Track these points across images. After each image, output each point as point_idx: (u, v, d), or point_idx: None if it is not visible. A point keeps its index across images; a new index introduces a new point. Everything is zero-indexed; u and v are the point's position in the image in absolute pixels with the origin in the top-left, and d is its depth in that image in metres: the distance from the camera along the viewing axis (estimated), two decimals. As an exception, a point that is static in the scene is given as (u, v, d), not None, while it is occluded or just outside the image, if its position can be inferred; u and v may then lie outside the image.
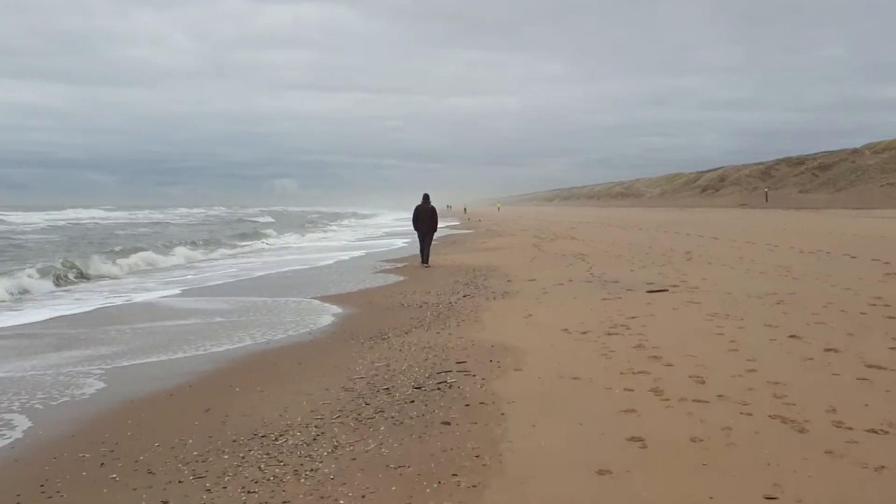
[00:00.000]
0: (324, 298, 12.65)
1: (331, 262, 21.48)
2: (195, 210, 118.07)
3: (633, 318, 9.34)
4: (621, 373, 6.46)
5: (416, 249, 19.89)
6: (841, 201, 69.40)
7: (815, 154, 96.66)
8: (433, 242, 19.39)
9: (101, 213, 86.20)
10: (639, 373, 6.43)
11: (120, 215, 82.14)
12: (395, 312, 10.77)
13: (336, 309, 11.37)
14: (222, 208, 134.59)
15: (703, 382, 6.05)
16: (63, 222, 58.99)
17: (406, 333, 8.92)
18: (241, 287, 15.25)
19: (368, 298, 12.49)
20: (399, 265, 19.01)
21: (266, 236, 36.41)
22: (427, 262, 18.48)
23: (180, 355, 8.22)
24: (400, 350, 7.88)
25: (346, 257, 23.19)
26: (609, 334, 8.28)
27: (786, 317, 9.07)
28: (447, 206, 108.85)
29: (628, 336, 8.13)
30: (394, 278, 15.79)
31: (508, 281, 14.24)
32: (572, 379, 6.31)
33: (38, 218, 63.44)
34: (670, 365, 6.69)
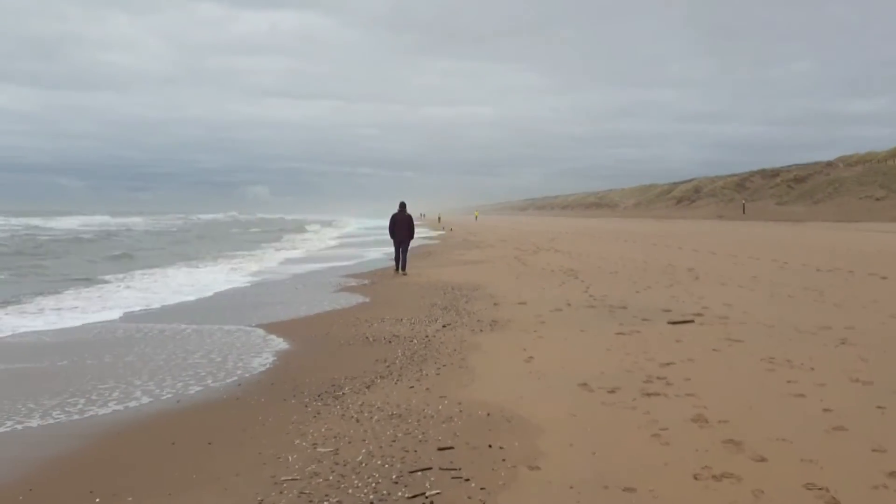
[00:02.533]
0: (269, 327, 10.23)
1: (286, 276, 19.01)
2: (199, 216, 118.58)
3: (667, 364, 7.10)
4: (695, 476, 4.18)
5: (386, 263, 19.64)
6: (820, 214, 68.50)
7: (790, 166, 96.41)
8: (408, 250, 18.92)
9: (109, 219, 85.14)
10: (722, 477, 4.16)
11: (136, 221, 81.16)
12: (357, 350, 8.40)
13: (281, 343, 8.97)
14: (220, 214, 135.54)
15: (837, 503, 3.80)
16: (114, 227, 59.79)
17: (368, 387, 6.56)
18: (172, 310, 12.74)
19: (325, 328, 10.09)
20: (365, 281, 16.62)
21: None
22: (404, 271, 18.25)
23: (40, 422, 5.76)
24: (357, 420, 5.52)
25: (306, 270, 20.73)
26: (648, 394, 6.01)
27: (868, 366, 6.90)
28: (421, 215, 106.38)
29: (675, 398, 5.87)
30: (358, 299, 13.40)
31: (495, 304, 11.94)
32: (624, 491, 4.01)
33: (70, 223, 62.19)
34: (763, 459, 4.43)
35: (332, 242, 39.87)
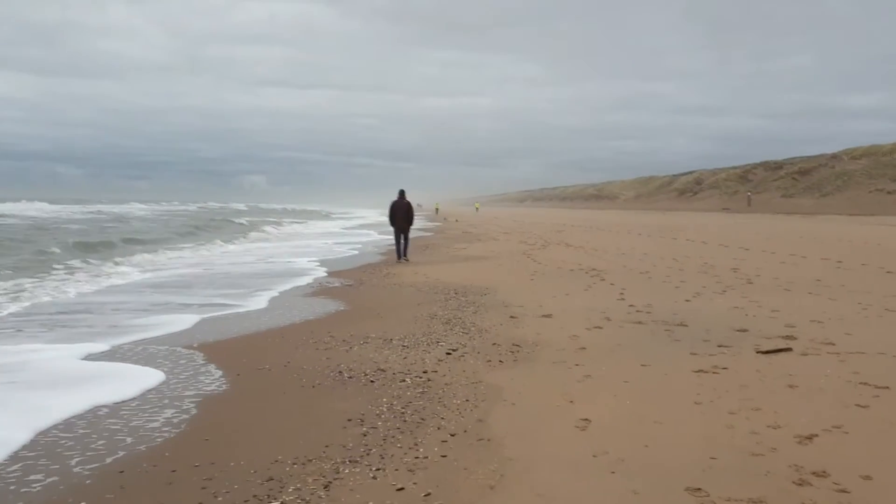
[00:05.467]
0: (210, 349, 7.54)
1: (259, 269, 16.27)
2: (229, 204, 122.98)
3: (809, 438, 4.46)
4: None
5: (376, 258, 18.80)
6: (829, 207, 66.17)
7: (793, 158, 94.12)
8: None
9: (141, 205, 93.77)
10: None
11: (190, 209, 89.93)
12: (322, 398, 5.72)
13: (217, 381, 6.27)
14: (242, 205, 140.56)
15: None
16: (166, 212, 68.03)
17: (325, 487, 3.89)
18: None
19: (287, 352, 7.40)
20: (350, 282, 13.88)
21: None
22: (406, 257, 18.06)
23: None
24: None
25: (284, 265, 17.99)
26: (823, 520, 3.36)
27: None
28: (417, 205, 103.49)
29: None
30: (339, 306, 10.70)
31: (512, 317, 9.27)
32: None
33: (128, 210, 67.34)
34: None
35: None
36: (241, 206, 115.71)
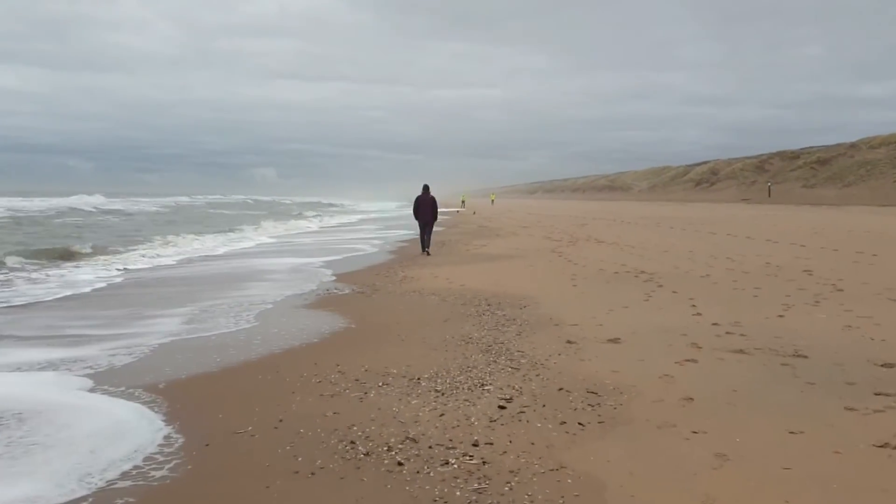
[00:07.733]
0: (178, 394, 5.55)
1: (259, 269, 14.26)
2: (256, 198, 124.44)
3: None
4: None
5: (388, 257, 18.18)
6: (853, 198, 63.79)
7: (810, 148, 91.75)
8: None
9: (186, 198, 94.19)
10: None
11: (245, 198, 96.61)
12: (325, 501, 3.73)
13: (174, 455, 4.26)
14: (272, 197, 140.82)
15: None
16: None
17: None
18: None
19: (279, 399, 5.40)
20: (360, 289, 11.83)
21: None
22: (428, 251, 18.07)
23: None
24: None
25: (284, 265, 16.00)
26: None
27: None
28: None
29: None
30: (346, 323, 8.68)
31: (569, 342, 7.24)
32: None
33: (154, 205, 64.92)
34: None
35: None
36: (287, 200, 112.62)
